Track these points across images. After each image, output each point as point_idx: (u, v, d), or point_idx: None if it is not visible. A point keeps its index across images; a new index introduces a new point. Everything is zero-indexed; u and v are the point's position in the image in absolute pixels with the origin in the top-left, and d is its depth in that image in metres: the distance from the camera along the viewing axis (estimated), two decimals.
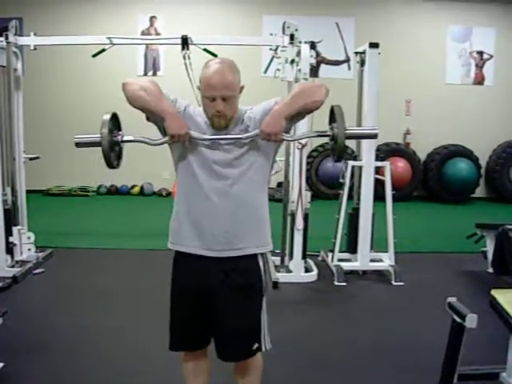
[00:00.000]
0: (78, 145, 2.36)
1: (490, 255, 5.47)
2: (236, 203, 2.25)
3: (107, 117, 2.28)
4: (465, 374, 3.06)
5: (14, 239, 5.31)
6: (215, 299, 2.30)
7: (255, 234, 2.33)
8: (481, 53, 11.23)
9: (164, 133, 2.29)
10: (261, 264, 2.37)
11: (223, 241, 2.26)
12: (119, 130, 2.35)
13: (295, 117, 2.30)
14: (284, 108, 2.22)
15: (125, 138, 2.33)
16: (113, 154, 2.29)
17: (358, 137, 2.47)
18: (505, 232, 4.93)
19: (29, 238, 5.50)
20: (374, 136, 2.49)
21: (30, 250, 5.52)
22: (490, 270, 5.42)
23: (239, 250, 2.29)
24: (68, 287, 4.98)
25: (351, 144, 5.44)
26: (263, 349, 2.39)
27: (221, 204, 2.24)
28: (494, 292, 3.02)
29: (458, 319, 2.92)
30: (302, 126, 5.04)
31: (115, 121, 2.34)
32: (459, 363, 2.97)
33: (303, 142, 5.04)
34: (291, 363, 3.50)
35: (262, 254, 2.38)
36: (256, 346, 2.36)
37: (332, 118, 2.38)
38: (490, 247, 5.50)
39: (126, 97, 2.29)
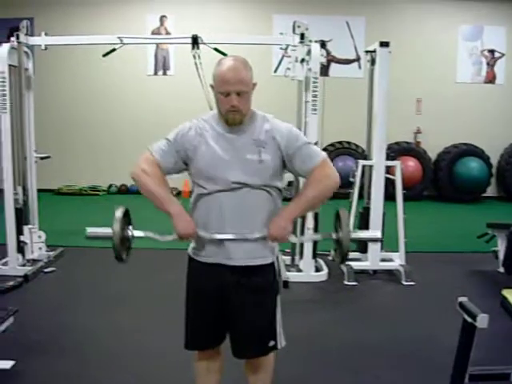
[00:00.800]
0: (89, 238, 2.43)
1: (501, 255, 5.45)
2: (253, 215, 2.28)
3: (119, 214, 2.32)
4: (476, 374, 3.05)
5: (25, 238, 5.34)
6: (231, 298, 2.32)
7: (267, 249, 2.35)
8: (492, 51, 11.16)
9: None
10: (275, 263, 2.40)
11: (241, 253, 2.29)
12: (130, 223, 2.39)
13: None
14: (292, 215, 2.28)
15: (136, 235, 2.38)
16: (123, 247, 2.33)
17: (362, 240, 2.53)
18: None
19: (40, 236, 5.53)
20: (376, 240, 2.55)
21: (40, 248, 5.56)
22: (501, 269, 5.40)
23: (256, 260, 2.32)
24: (79, 286, 5.00)
25: (361, 143, 5.43)
26: (279, 346, 2.41)
27: (237, 217, 2.26)
28: (505, 292, 3.01)
29: (468, 319, 2.91)
30: (313, 128, 5.05)
31: (127, 216, 2.38)
32: (470, 363, 2.96)
33: (313, 140, 5.03)
34: (302, 362, 3.50)
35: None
36: (272, 343, 2.38)
37: (337, 221, 2.40)
38: (501, 247, 5.48)
39: None
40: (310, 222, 5.12)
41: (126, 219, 2.36)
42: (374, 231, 2.33)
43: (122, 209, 2.33)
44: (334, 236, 2.38)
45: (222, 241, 2.28)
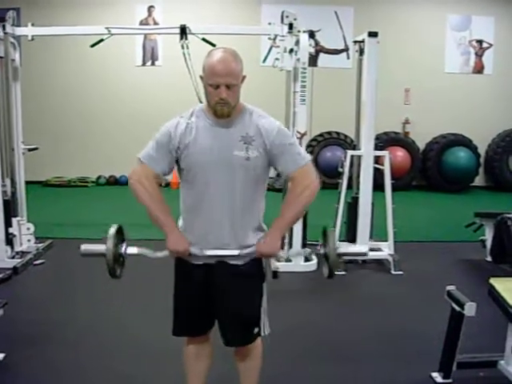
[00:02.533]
0: (83, 255, 2.42)
1: (488, 244, 5.49)
2: (241, 207, 2.30)
3: (113, 231, 2.32)
4: (464, 361, 3.09)
5: (13, 230, 5.31)
6: (217, 285, 2.35)
7: (257, 234, 2.37)
8: (480, 41, 11.20)
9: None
10: None
11: (226, 242, 2.31)
12: (123, 240, 2.40)
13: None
14: (280, 233, 2.32)
15: (129, 252, 2.38)
16: (116, 264, 2.34)
17: (349, 255, 2.57)
18: (503, 221, 4.95)
19: (28, 228, 5.51)
20: (363, 255, 2.59)
21: (29, 240, 5.53)
22: (489, 258, 5.44)
23: (240, 250, 2.33)
24: (68, 278, 4.99)
25: (350, 133, 5.44)
26: (262, 333, 2.44)
27: (225, 209, 2.28)
28: (492, 280, 3.04)
29: (457, 307, 2.94)
30: (302, 118, 5.06)
31: (120, 233, 2.38)
32: (458, 351, 3.00)
33: (302, 131, 5.03)
34: (291, 351, 3.52)
35: None
36: (256, 330, 2.41)
37: (324, 237, 2.47)
38: (488, 236, 5.52)
39: None
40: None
41: (120, 236, 2.37)
42: (361, 246, 2.38)
43: (115, 226, 2.35)
44: (321, 251, 2.44)
45: (209, 227, 2.30)
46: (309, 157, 2.39)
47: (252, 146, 2.26)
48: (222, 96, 2.19)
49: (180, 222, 2.42)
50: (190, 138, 2.27)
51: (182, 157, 2.29)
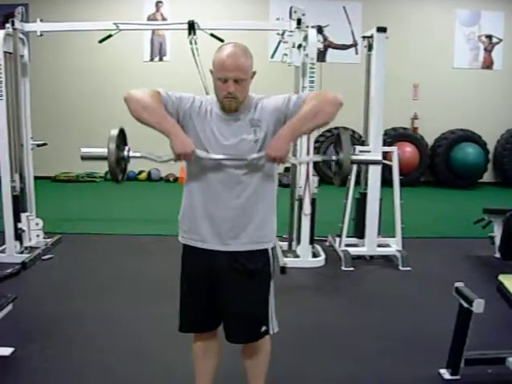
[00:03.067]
0: (83, 158, 2.35)
1: (497, 240, 5.47)
2: (248, 201, 2.28)
3: (115, 132, 2.26)
4: (472, 358, 3.08)
5: (22, 225, 5.34)
6: (224, 282, 2.33)
7: (264, 229, 2.35)
8: (489, 37, 11.14)
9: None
10: (269, 248, 2.40)
11: (233, 236, 2.29)
12: (125, 144, 2.35)
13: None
14: (291, 132, 2.19)
15: (131, 154, 2.32)
16: (119, 168, 2.28)
17: (363, 163, 2.47)
18: None
19: (37, 224, 5.54)
20: (377, 162, 2.50)
21: (38, 236, 5.57)
22: (498, 255, 5.41)
23: (253, 245, 2.32)
24: (76, 273, 5.01)
25: (358, 129, 5.43)
26: (270, 331, 2.42)
27: (232, 202, 2.27)
28: (501, 277, 3.03)
29: (465, 304, 2.93)
30: None
31: (122, 136, 2.34)
32: (466, 348, 2.99)
33: None
34: (298, 347, 3.52)
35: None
36: (264, 328, 2.39)
37: (338, 142, 2.37)
38: (497, 232, 5.49)
39: (129, 110, 2.25)
40: (306, 208, 5.12)
41: (122, 139, 2.31)
42: (375, 154, 2.31)
43: (117, 128, 2.28)
44: (334, 157, 2.36)
45: (216, 223, 2.28)
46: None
47: (259, 128, 2.26)
48: (229, 90, 2.18)
49: (181, 213, 2.40)
50: (202, 116, 2.27)
51: (189, 132, 2.26)
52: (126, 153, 2.30)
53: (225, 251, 2.30)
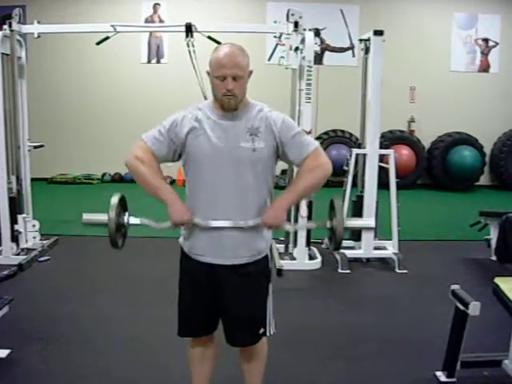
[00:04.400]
0: (85, 224, 2.43)
1: (493, 243, 5.48)
2: (247, 202, 2.29)
3: (115, 200, 2.34)
4: (468, 361, 3.09)
5: (19, 227, 5.34)
6: (223, 286, 2.34)
7: (262, 241, 2.38)
8: (486, 40, 11.16)
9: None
10: (267, 248, 2.41)
11: (233, 251, 2.31)
12: (125, 210, 2.41)
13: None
14: (287, 204, 2.31)
15: (131, 222, 2.39)
16: (118, 234, 2.34)
17: (356, 229, 2.52)
18: (508, 220, 4.93)
19: (34, 225, 5.53)
20: (369, 228, 2.56)
21: (35, 237, 5.56)
22: (494, 257, 5.43)
23: (250, 257, 2.34)
24: (73, 275, 5.00)
25: (355, 132, 5.44)
26: (268, 333, 2.43)
27: (230, 210, 2.27)
28: (497, 280, 3.03)
29: (461, 307, 2.94)
30: (307, 116, 5.05)
31: (123, 203, 2.39)
32: (462, 350, 3.00)
33: (307, 129, 5.04)
34: (294, 349, 3.52)
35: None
36: (262, 330, 2.40)
37: (331, 210, 2.44)
38: (493, 235, 5.50)
39: None
40: (303, 211, 5.13)
41: (122, 206, 2.37)
42: (368, 219, 2.34)
43: (117, 195, 2.35)
44: (328, 224, 2.41)
45: (215, 233, 2.29)
46: (317, 142, 2.40)
47: (258, 138, 2.26)
48: (228, 87, 2.19)
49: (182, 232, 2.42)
50: (196, 132, 2.27)
51: (187, 150, 2.29)
52: (125, 220, 2.38)
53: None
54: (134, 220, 2.37)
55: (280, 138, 2.29)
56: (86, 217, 2.42)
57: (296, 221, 5.22)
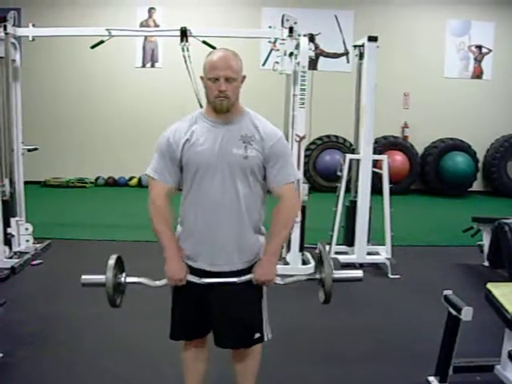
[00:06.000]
0: (84, 285, 2.47)
1: (486, 249, 5.50)
2: (239, 214, 2.31)
3: (112, 262, 2.36)
4: (460, 366, 3.09)
5: (12, 230, 5.31)
6: (216, 290, 2.34)
7: (255, 248, 2.40)
8: (479, 47, 11.22)
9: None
10: (261, 256, 2.41)
11: (226, 258, 2.34)
12: (123, 270, 2.45)
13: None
14: (274, 258, 2.36)
15: (128, 280, 2.43)
16: (116, 292, 2.38)
17: (344, 280, 2.53)
18: (501, 226, 4.96)
19: (27, 229, 5.51)
20: (359, 279, 2.58)
21: (28, 241, 5.53)
22: (486, 263, 5.46)
23: (243, 264, 2.37)
24: (66, 278, 4.96)
25: (349, 137, 5.46)
26: (265, 338, 2.44)
27: (223, 216, 2.29)
28: (489, 285, 3.05)
29: (453, 312, 2.95)
30: (301, 121, 5.06)
31: (119, 263, 2.42)
32: (455, 355, 3.00)
33: (301, 134, 5.05)
34: (288, 353, 3.52)
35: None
36: (257, 335, 2.41)
37: (320, 262, 2.47)
38: (486, 241, 5.53)
39: None
40: (297, 216, 5.13)
41: (119, 266, 2.41)
42: (356, 271, 2.35)
43: (114, 257, 2.38)
44: (317, 276, 2.46)
45: (206, 246, 2.33)
46: (298, 176, 2.44)
47: (251, 146, 2.27)
48: (221, 88, 2.21)
49: (178, 228, 2.43)
50: (190, 141, 2.28)
51: (184, 159, 2.30)
52: (123, 279, 2.42)
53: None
54: (130, 279, 2.43)
55: (269, 153, 2.30)
56: (85, 277, 2.47)
57: (289, 248, 5.24)
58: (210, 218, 2.30)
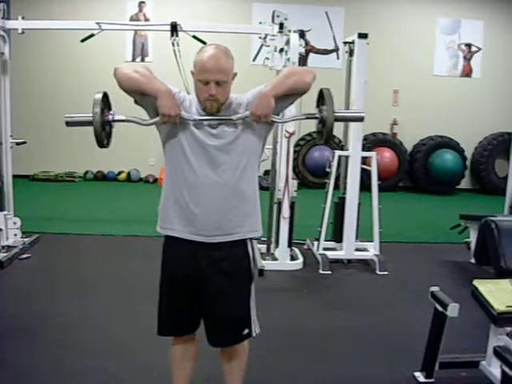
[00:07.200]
0: (68, 124, 2.32)
1: (473, 246, 5.53)
2: (228, 190, 2.26)
3: (99, 96, 2.27)
4: (446, 362, 3.12)
5: (0, 224, 5.29)
6: (205, 285, 2.32)
7: (246, 220, 2.34)
8: (469, 45, 11.27)
9: (152, 116, 2.30)
10: (249, 250, 2.40)
11: (214, 226, 2.27)
12: (110, 109, 2.35)
13: (284, 99, 2.31)
14: (272, 89, 2.24)
15: (116, 118, 2.32)
16: (104, 133, 2.27)
17: (346, 119, 2.47)
18: (487, 223, 4.97)
19: (15, 223, 5.49)
20: (360, 119, 2.51)
21: (16, 235, 5.52)
22: (473, 260, 5.48)
23: (229, 236, 2.31)
24: (54, 273, 4.98)
25: (338, 133, 5.47)
26: (253, 334, 2.42)
27: (213, 191, 2.25)
28: (475, 282, 3.07)
29: (440, 308, 2.97)
30: (290, 111, 5.06)
31: (106, 100, 2.34)
32: (441, 351, 3.03)
33: (291, 130, 5.05)
34: (273, 350, 3.52)
35: (250, 239, 2.41)
36: (246, 331, 2.40)
37: (321, 100, 2.40)
38: (473, 238, 5.56)
39: (117, 80, 2.31)
40: (285, 212, 5.15)
41: (106, 103, 2.32)
42: (358, 110, 2.29)
43: (101, 92, 2.29)
44: (317, 115, 2.39)
45: (192, 215, 2.26)
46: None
47: (241, 125, 2.27)
48: (211, 92, 2.20)
49: (160, 210, 2.38)
50: (188, 113, 2.27)
51: (174, 128, 2.27)
52: (110, 117, 2.30)
53: (206, 249, 2.28)
54: (118, 116, 2.31)
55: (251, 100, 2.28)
56: (69, 116, 2.31)
57: (278, 222, 5.24)
58: (199, 199, 2.28)
